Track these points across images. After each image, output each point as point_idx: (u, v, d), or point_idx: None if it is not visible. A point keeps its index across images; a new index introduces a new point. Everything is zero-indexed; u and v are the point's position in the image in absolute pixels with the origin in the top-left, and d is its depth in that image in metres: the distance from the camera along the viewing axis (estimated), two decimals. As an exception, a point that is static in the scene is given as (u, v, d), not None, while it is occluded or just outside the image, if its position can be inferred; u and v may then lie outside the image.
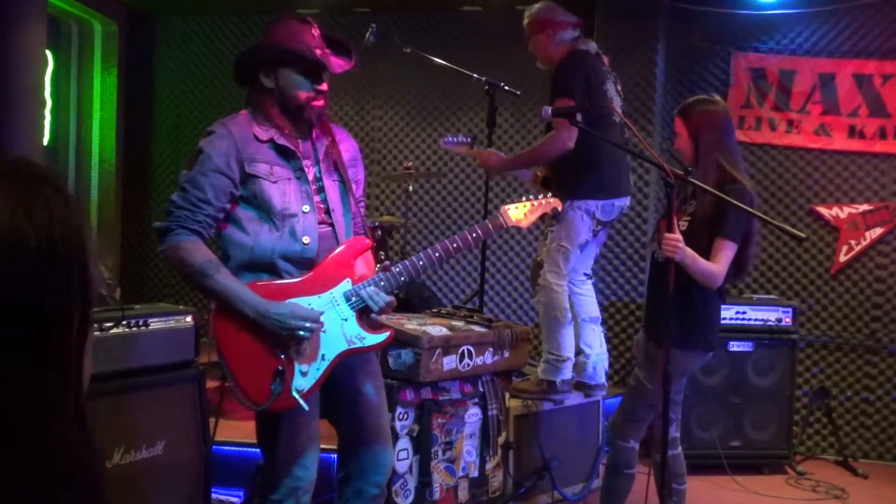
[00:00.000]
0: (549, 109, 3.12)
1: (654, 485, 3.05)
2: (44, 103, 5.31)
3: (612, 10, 5.15)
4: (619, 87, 3.90)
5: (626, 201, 3.82)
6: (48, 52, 5.35)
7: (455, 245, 2.49)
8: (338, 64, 2.42)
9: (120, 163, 5.85)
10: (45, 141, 5.45)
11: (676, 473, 3.07)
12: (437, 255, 2.46)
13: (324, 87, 2.39)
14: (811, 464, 4.81)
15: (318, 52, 2.37)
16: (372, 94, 5.82)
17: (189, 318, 3.04)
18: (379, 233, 4.66)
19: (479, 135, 5.55)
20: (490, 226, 2.58)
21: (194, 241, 2.29)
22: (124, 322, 2.84)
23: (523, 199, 2.66)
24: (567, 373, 3.78)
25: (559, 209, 2.70)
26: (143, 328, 2.91)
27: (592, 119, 3.65)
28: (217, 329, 2.34)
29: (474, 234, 2.53)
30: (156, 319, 2.96)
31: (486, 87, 4.12)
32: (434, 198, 5.73)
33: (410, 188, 4.87)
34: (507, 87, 4.10)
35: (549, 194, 2.72)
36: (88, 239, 0.83)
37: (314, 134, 2.46)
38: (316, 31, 2.41)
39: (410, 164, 4.95)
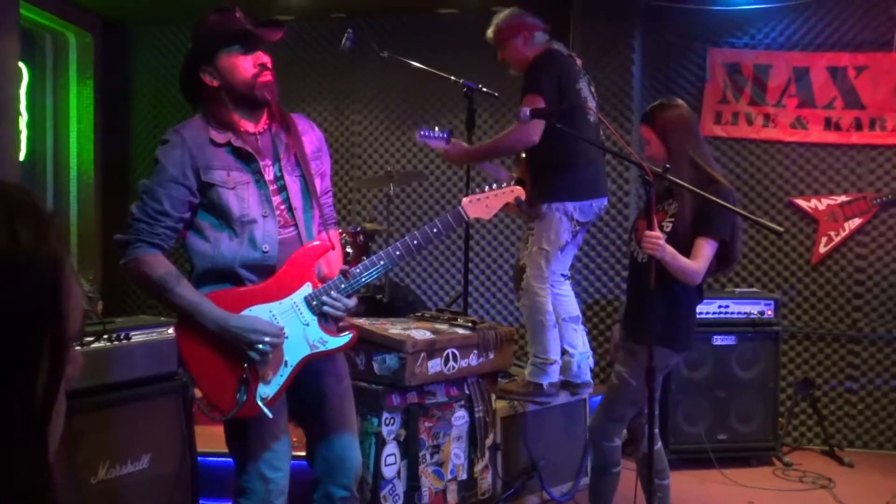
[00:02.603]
0: (527, 111, 3.13)
1: (640, 482, 3.07)
2: (19, 117, 5.28)
3: (588, 9, 5.17)
4: (592, 88, 3.90)
5: (603, 202, 3.82)
6: (22, 65, 5.31)
7: (416, 241, 2.43)
8: (268, 33, 2.38)
9: (99, 175, 5.80)
10: (22, 155, 5.40)
11: (658, 469, 3.09)
12: (397, 253, 2.42)
13: (264, 59, 2.36)
14: (798, 454, 4.85)
15: (247, 26, 2.35)
16: (350, 99, 5.81)
17: (171, 330, 3.02)
18: (361, 238, 4.65)
19: (455, 129, 5.57)
20: (450, 219, 2.49)
21: (154, 254, 2.28)
22: (105, 336, 2.82)
23: (485, 189, 2.54)
24: (554, 375, 3.79)
25: (522, 198, 2.58)
26: (124, 341, 2.89)
27: (567, 119, 3.65)
28: (181, 341, 2.34)
29: (435, 230, 2.46)
30: (137, 332, 2.94)
31: (464, 90, 4.13)
32: (416, 201, 5.73)
33: (391, 191, 4.87)
34: (484, 89, 4.11)
35: (513, 182, 2.61)
36: (65, 267, 0.75)
37: (273, 128, 2.43)
38: (239, 14, 2.38)
39: (390, 169, 4.95)
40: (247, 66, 2.33)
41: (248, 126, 2.39)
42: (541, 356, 3.78)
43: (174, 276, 2.27)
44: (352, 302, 2.39)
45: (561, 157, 3.67)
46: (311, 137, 2.53)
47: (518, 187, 2.57)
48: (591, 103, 3.80)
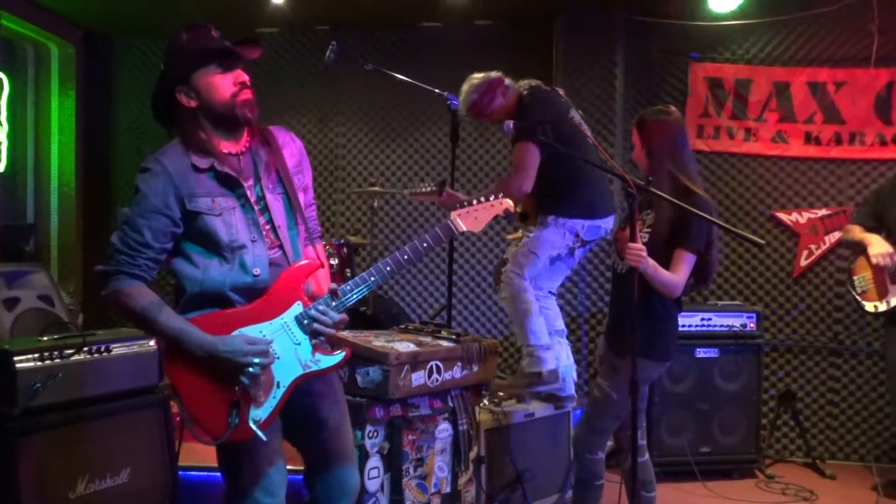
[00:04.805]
0: (510, 124, 3.12)
1: (626, 494, 3.06)
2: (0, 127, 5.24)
3: (571, 26, 5.21)
4: (580, 113, 3.90)
5: (610, 221, 3.79)
6: (3, 76, 5.29)
7: (406, 256, 2.40)
8: (247, 51, 2.32)
9: (80, 186, 5.76)
10: (2, 166, 5.36)
11: (645, 481, 3.09)
12: (388, 268, 2.38)
13: (244, 77, 2.30)
14: (780, 467, 4.87)
15: (225, 44, 2.30)
16: (334, 112, 5.81)
17: (152, 343, 3.01)
18: (345, 250, 4.65)
19: (440, 142, 5.57)
20: (440, 233, 2.45)
21: (135, 285, 2.21)
22: (86, 349, 2.79)
23: (474, 201, 2.51)
24: (551, 361, 3.68)
25: (511, 210, 2.54)
26: (105, 354, 2.87)
27: (568, 142, 3.53)
28: (169, 367, 2.27)
29: (425, 244, 2.42)
30: (118, 345, 2.92)
31: (448, 103, 4.13)
32: (400, 213, 5.73)
33: (375, 204, 4.86)
34: (469, 102, 4.11)
35: (501, 195, 2.58)
36: None
37: (253, 145, 2.37)
38: (215, 32, 2.32)
39: (375, 181, 4.95)
40: (226, 84, 2.27)
41: (228, 147, 2.33)
42: (532, 344, 3.70)
43: (156, 305, 2.21)
44: (341, 316, 2.33)
45: (565, 177, 3.62)
46: (292, 150, 2.48)
47: (507, 199, 2.53)
48: (585, 128, 3.78)
